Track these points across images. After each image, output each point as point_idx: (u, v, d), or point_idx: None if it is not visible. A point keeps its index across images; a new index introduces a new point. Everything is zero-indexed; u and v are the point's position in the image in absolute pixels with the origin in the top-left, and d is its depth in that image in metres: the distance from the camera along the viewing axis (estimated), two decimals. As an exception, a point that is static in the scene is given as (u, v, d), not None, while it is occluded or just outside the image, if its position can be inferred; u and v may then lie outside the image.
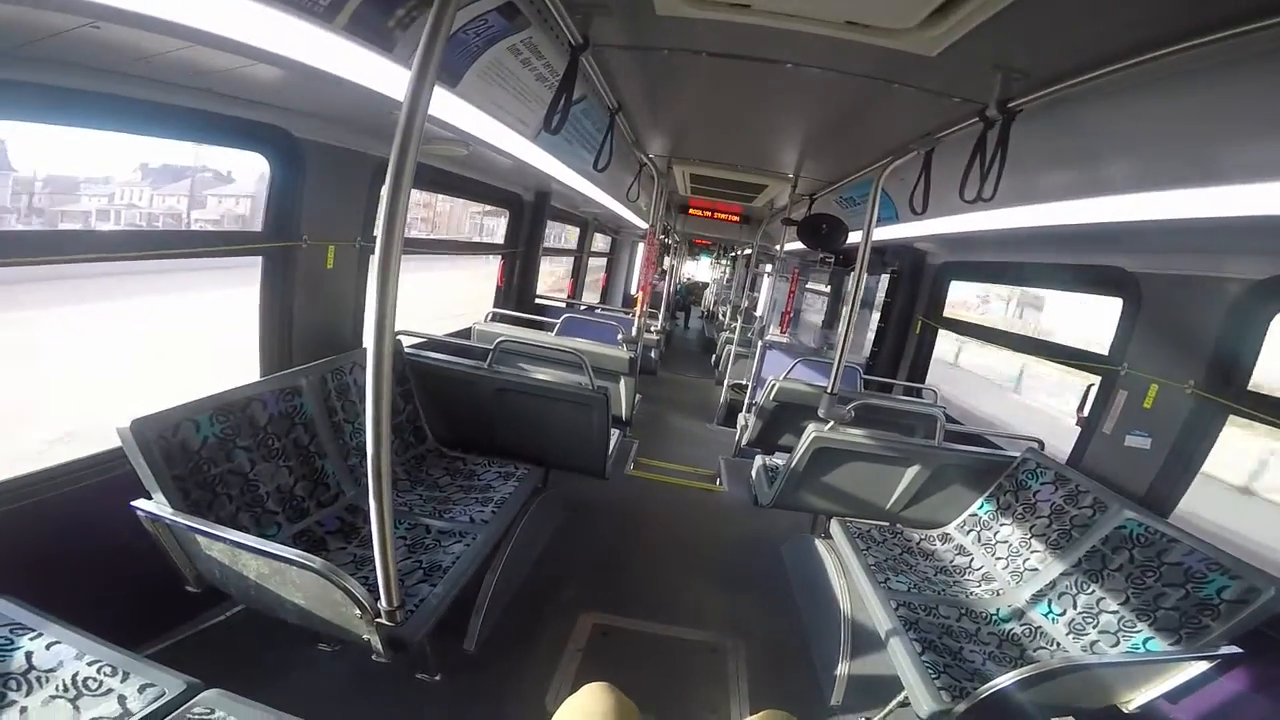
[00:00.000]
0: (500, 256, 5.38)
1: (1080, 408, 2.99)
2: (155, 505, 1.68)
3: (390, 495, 1.33)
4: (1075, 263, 3.23)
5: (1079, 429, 2.98)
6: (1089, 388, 2.97)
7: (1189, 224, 1.96)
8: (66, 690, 1.17)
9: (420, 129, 1.17)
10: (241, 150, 2.34)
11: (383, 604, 1.47)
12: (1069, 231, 2.63)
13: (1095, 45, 1.54)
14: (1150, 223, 2.08)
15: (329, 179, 2.62)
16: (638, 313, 4.71)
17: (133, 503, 1.66)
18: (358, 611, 1.51)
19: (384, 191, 1.18)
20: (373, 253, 1.21)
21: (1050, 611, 2.35)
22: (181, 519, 1.65)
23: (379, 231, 1.19)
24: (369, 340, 1.23)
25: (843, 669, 2.44)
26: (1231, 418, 2.36)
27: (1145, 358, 2.69)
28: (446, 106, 2.15)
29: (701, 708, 2.35)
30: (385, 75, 1.73)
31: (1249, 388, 2.33)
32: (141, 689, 1.19)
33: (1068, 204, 2.40)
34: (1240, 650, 1.78)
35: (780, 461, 3.59)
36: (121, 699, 1.17)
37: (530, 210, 5.25)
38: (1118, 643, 2.08)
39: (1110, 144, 2.05)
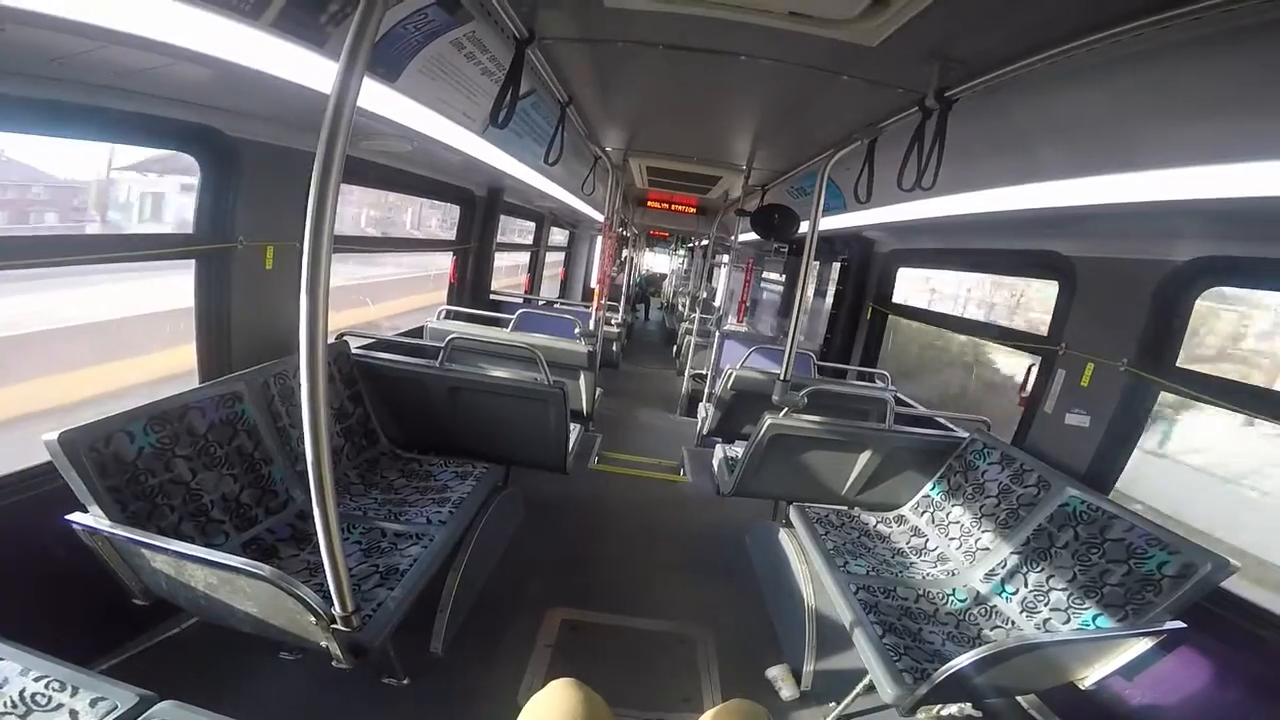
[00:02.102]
0: (452, 253, 5.28)
1: (1022, 387, 3.11)
2: (91, 518, 1.62)
3: (335, 500, 1.30)
4: (1015, 248, 3.36)
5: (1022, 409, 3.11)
6: (1030, 367, 3.10)
7: (1118, 209, 2.05)
8: (15, 707, 1.12)
9: (349, 122, 1.13)
10: (171, 151, 2.23)
11: (337, 610, 1.44)
12: (1008, 218, 2.72)
13: (1026, 35, 1.59)
14: (1082, 208, 2.17)
15: (266, 178, 2.52)
16: (596, 306, 4.69)
17: (66, 516, 1.60)
18: (312, 618, 1.48)
19: (311, 187, 1.14)
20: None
21: (1004, 590, 2.42)
22: (121, 531, 1.59)
23: (307, 229, 1.15)
24: (302, 341, 1.19)
25: (809, 655, 2.48)
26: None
27: (1081, 338, 2.81)
28: (386, 102, 2.10)
29: (674, 698, 2.37)
30: (318, 71, 1.67)
31: (1178, 365, 2.45)
32: (93, 703, 1.14)
33: (1004, 190, 2.49)
34: (1184, 625, 1.84)
35: (740, 450, 3.64)
36: (73, 713, 1.12)
37: (483, 205, 5.16)
38: (1069, 620, 2.12)
39: (1043, 131, 2.13)
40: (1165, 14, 1.26)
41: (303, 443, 2.51)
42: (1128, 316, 2.56)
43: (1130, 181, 1.91)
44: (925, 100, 2.03)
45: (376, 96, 2.03)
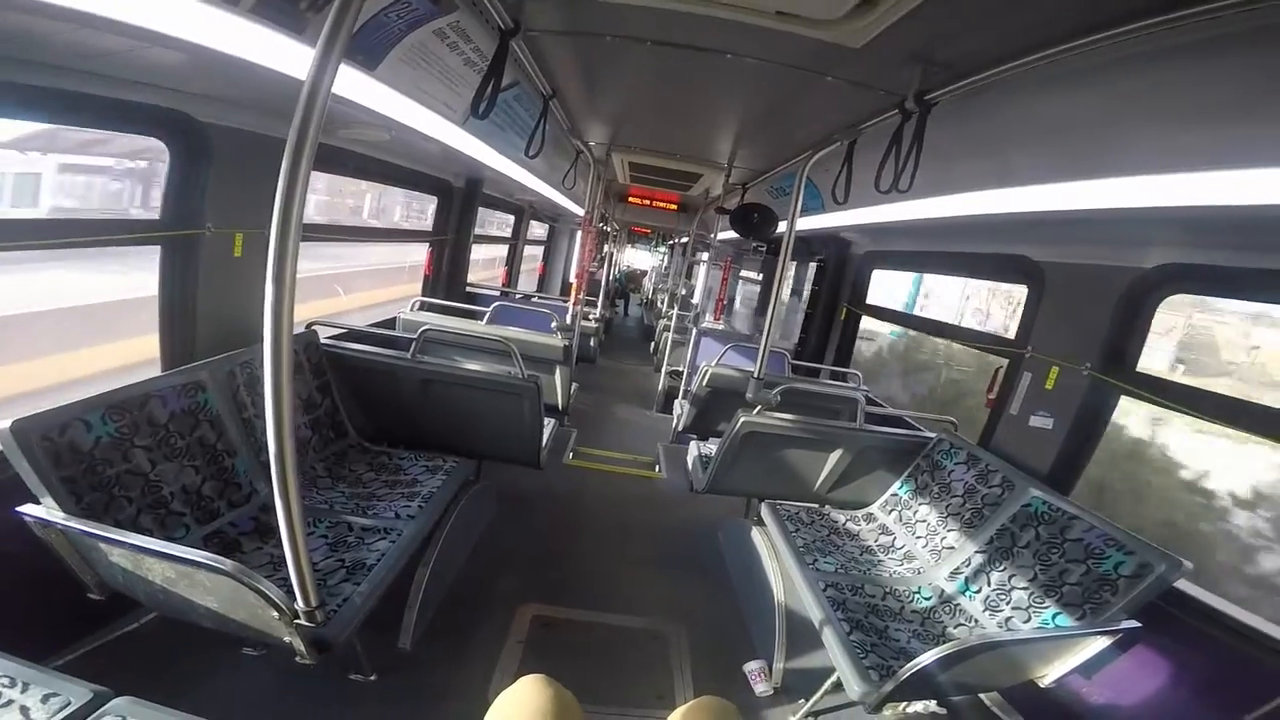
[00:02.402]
0: (428, 244, 5.20)
1: (989, 389, 3.19)
2: (44, 510, 1.57)
3: (299, 492, 1.29)
4: (987, 252, 3.43)
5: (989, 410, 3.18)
6: (997, 370, 3.17)
7: (1086, 214, 2.10)
8: None
9: (323, 107, 1.11)
10: (138, 136, 2.16)
11: (300, 604, 1.42)
12: (981, 221, 2.77)
13: (1008, 39, 1.62)
14: (1052, 213, 2.22)
15: (237, 164, 2.45)
16: (573, 300, 4.68)
17: (18, 508, 1.55)
18: (275, 613, 1.45)
19: (281, 174, 1.12)
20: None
21: (968, 589, 2.47)
22: (75, 524, 1.54)
23: (275, 215, 1.13)
24: (266, 329, 1.18)
25: (779, 652, 2.51)
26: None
27: (1048, 341, 2.88)
28: (365, 90, 2.06)
29: (647, 694, 2.38)
30: (295, 58, 1.63)
31: (1138, 369, 2.53)
32: (45, 699, 1.11)
33: (978, 194, 2.54)
34: (1139, 624, 1.91)
35: (715, 447, 3.67)
36: (24, 710, 1.09)
37: (461, 196, 5.10)
38: (1029, 619, 2.17)
39: (1017, 136, 2.18)
40: (1142, 22, 1.29)
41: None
42: (1092, 321, 2.63)
43: (1099, 187, 1.96)
44: (905, 103, 2.06)
45: (355, 84, 1.99)
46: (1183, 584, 2.04)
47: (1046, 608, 2.16)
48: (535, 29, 2.13)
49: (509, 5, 1.89)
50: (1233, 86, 1.41)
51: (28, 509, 1.56)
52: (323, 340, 3.05)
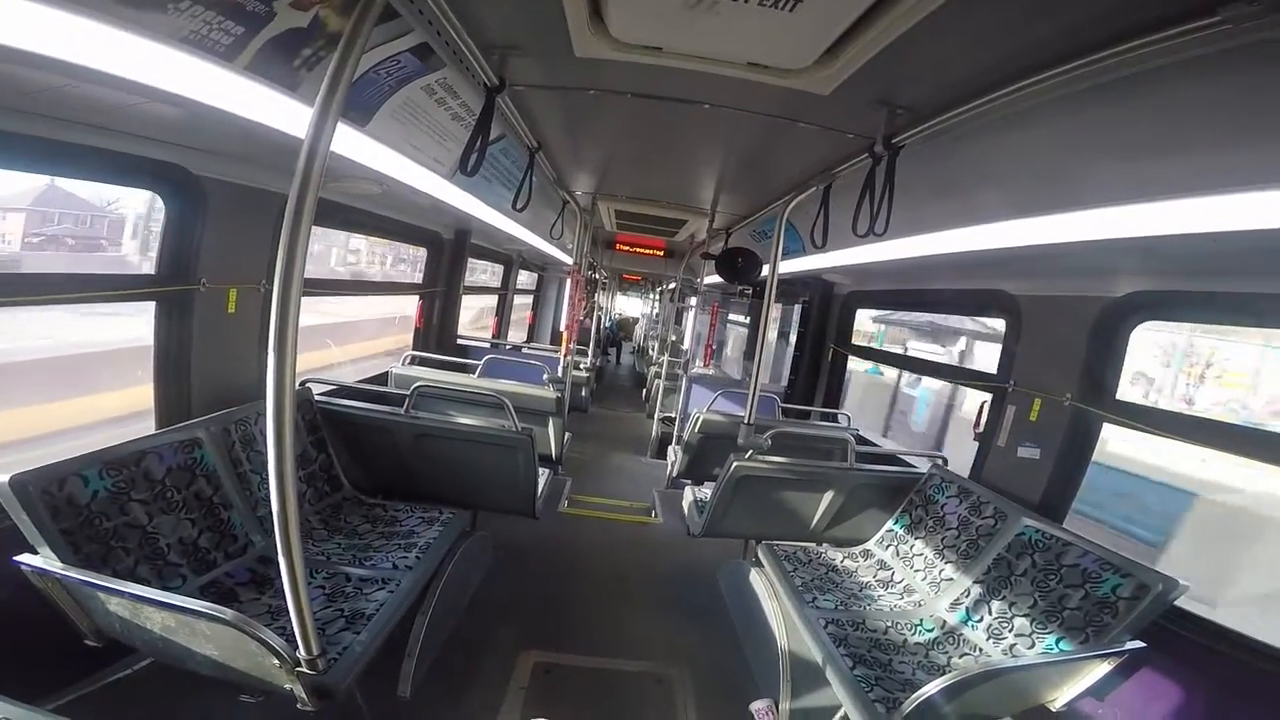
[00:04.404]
0: (418, 296, 5.26)
1: (976, 423, 3.22)
2: (42, 560, 1.60)
3: (300, 541, 1.30)
4: (965, 288, 3.52)
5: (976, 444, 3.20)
6: (982, 405, 3.21)
7: (1056, 248, 2.17)
8: None
9: (322, 166, 1.16)
10: (134, 189, 2.22)
11: (301, 653, 1.43)
12: (957, 259, 2.85)
13: (964, 83, 1.71)
14: (1023, 248, 2.30)
15: (231, 218, 2.51)
16: (564, 351, 4.71)
17: (15, 558, 1.58)
18: (276, 661, 1.45)
19: (283, 231, 1.15)
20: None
21: (969, 619, 2.46)
22: (73, 573, 1.57)
23: (277, 272, 1.15)
24: (269, 386, 1.19)
25: (784, 691, 2.48)
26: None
27: (1029, 374, 2.93)
28: (356, 145, 2.13)
29: None
30: (289, 114, 1.70)
31: (1118, 397, 2.57)
32: None
33: (951, 233, 2.63)
34: (1143, 644, 1.91)
35: (709, 491, 3.66)
36: None
37: (450, 248, 5.18)
38: (1033, 644, 2.18)
39: (984, 175, 2.27)
40: (1092, 56, 1.35)
41: (263, 488, 2.51)
42: (1070, 352, 2.69)
43: (1064, 221, 2.03)
44: (875, 147, 2.14)
45: (347, 140, 2.06)
46: (1190, 604, 2.05)
47: (1049, 633, 2.16)
48: (520, 84, 2.22)
49: (493, 62, 1.97)
50: (1189, 114, 1.48)
51: (25, 558, 1.58)
52: (316, 396, 3.08)
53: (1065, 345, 2.74)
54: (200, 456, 2.21)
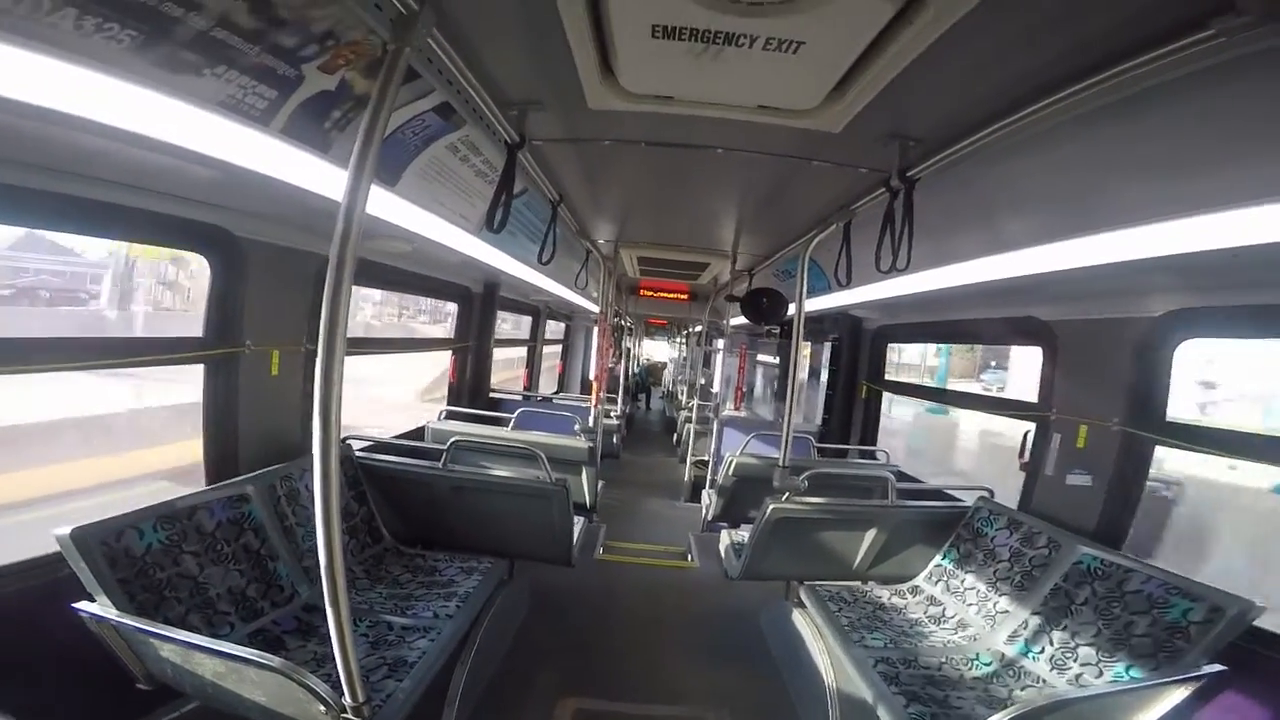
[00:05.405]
0: (451, 351, 5.38)
1: (1021, 453, 3.11)
2: (99, 607, 1.67)
3: (346, 591, 1.33)
4: (996, 316, 3.45)
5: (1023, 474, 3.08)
6: (1025, 434, 3.10)
7: (1086, 271, 2.14)
8: None
9: (359, 228, 1.21)
10: (182, 250, 2.35)
11: (347, 699, 1.44)
12: (985, 288, 2.82)
13: (976, 108, 1.71)
14: (1051, 273, 2.27)
15: (271, 279, 2.63)
16: (595, 400, 4.74)
17: (74, 605, 1.64)
18: (322, 708, 1.47)
19: (325, 293, 1.19)
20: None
21: (1030, 650, 2.39)
22: (128, 620, 1.64)
23: (321, 335, 1.19)
24: (315, 446, 1.24)
25: None
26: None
27: (1071, 401, 2.84)
28: (387, 205, 2.23)
29: None
30: (323, 176, 1.80)
31: (1168, 418, 2.47)
32: None
33: (976, 263, 2.60)
34: (1223, 668, 1.80)
35: (746, 534, 3.58)
36: None
37: (480, 302, 5.31)
38: (1101, 673, 2.11)
39: (1003, 202, 2.26)
40: (1105, 73, 1.34)
41: (308, 540, 2.57)
42: (1112, 375, 2.61)
43: (1092, 243, 2.01)
44: (890, 180, 2.15)
45: (379, 200, 2.16)
46: (1272, 622, 1.93)
47: (1118, 660, 2.08)
48: (538, 139, 2.31)
49: (512, 119, 2.06)
50: (1202, 128, 1.46)
51: (84, 606, 1.65)
52: (356, 452, 3.17)
53: (1106, 368, 2.66)
54: (248, 511, 2.31)
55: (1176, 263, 1.88)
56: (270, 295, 2.64)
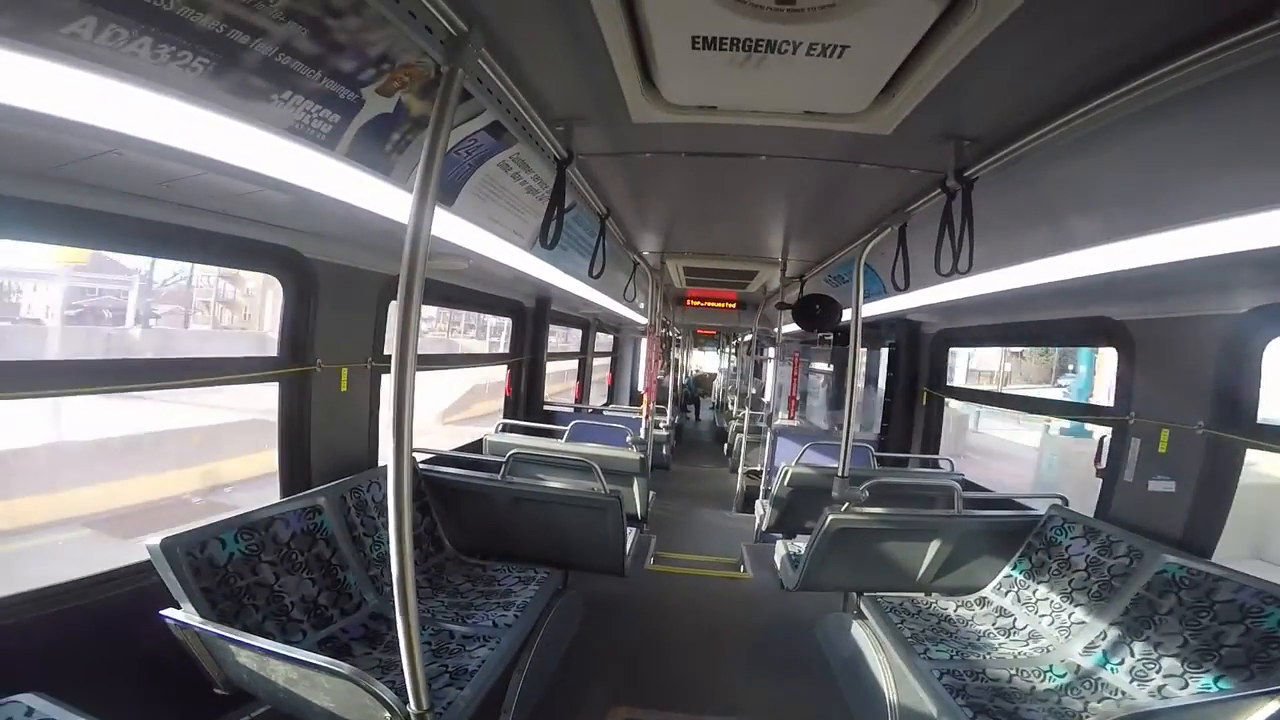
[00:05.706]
0: (506, 365, 5.51)
1: (1096, 459, 2.95)
2: (184, 614, 1.77)
3: (415, 601, 1.37)
4: (1064, 317, 3.29)
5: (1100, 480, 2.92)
6: (1102, 439, 2.94)
7: (1159, 269, 2.03)
8: None
9: (425, 249, 1.26)
10: (255, 272, 2.50)
11: (412, 707, 1.48)
12: (1051, 288, 2.70)
13: (1034, 105, 1.65)
14: (1124, 271, 2.15)
15: (339, 299, 2.76)
16: (645, 412, 4.77)
17: (162, 612, 1.74)
18: (387, 715, 1.51)
19: (394, 313, 1.25)
20: (385, 372, 1.26)
21: (1108, 662, 2.29)
22: (210, 627, 1.73)
23: (393, 353, 1.24)
24: (388, 459, 1.29)
25: None
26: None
27: (1150, 404, 2.69)
28: (445, 224, 2.31)
29: None
30: (385, 197, 1.89)
31: (1259, 420, 2.31)
32: None
33: (1041, 263, 2.50)
34: None
35: (802, 545, 3.51)
36: None
37: (532, 316, 5.44)
38: (1186, 685, 2.01)
39: (1069, 200, 2.16)
40: (1156, 71, 1.29)
41: (375, 550, 2.67)
42: (1194, 376, 2.47)
43: (1171, 239, 1.90)
44: (946, 181, 2.10)
45: (438, 219, 2.24)
46: None
47: (1205, 672, 1.98)
48: (585, 153, 2.36)
49: (560, 136, 2.11)
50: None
51: (170, 613, 1.75)
52: (420, 464, 3.28)
53: (1187, 369, 2.51)
54: (320, 522, 2.42)
55: (1261, 257, 1.75)
56: (337, 314, 2.77)
